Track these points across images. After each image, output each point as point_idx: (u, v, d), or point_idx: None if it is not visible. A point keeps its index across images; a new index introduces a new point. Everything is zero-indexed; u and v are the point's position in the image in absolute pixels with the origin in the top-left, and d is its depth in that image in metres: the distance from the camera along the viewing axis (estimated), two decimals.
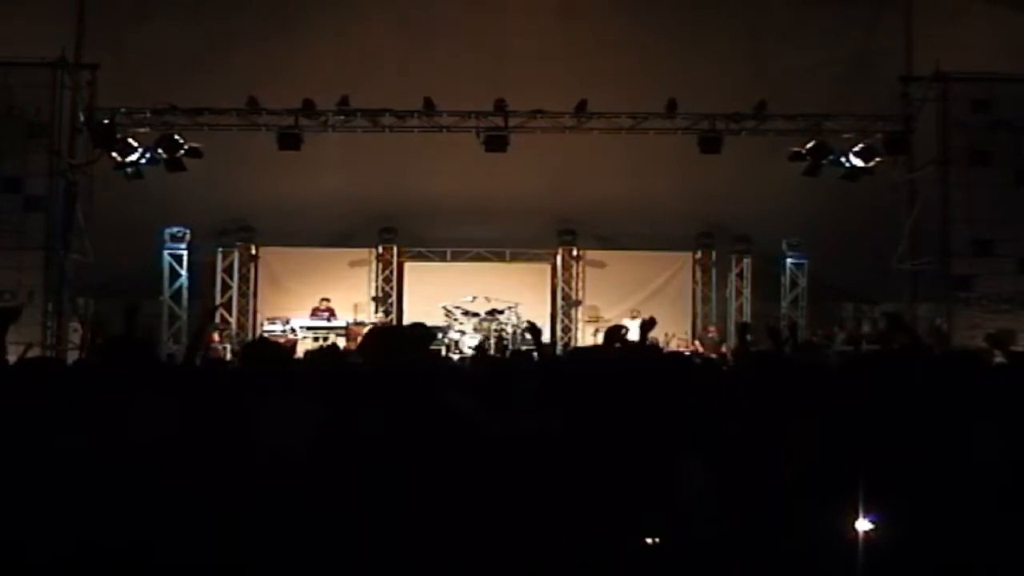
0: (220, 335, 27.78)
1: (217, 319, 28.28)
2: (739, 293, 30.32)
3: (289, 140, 24.52)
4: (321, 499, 4.46)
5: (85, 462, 4.64)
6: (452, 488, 4.46)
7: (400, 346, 5.39)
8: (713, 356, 25.41)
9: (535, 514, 4.49)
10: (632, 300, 30.00)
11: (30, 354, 8.15)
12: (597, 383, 6.21)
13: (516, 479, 4.56)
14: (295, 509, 4.47)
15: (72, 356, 21.81)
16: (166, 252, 28.46)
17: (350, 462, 4.54)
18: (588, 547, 4.58)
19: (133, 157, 24.56)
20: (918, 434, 5.25)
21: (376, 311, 29.65)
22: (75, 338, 23.72)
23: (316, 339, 26.80)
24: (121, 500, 4.51)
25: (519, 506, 4.48)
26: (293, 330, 27.46)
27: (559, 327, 30.54)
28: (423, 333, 5.97)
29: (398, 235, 30.30)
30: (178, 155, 24.62)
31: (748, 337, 11.89)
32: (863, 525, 4.79)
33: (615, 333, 7.93)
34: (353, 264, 30.61)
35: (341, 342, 25.05)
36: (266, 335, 26.01)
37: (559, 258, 30.80)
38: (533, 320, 14.65)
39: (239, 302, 30.01)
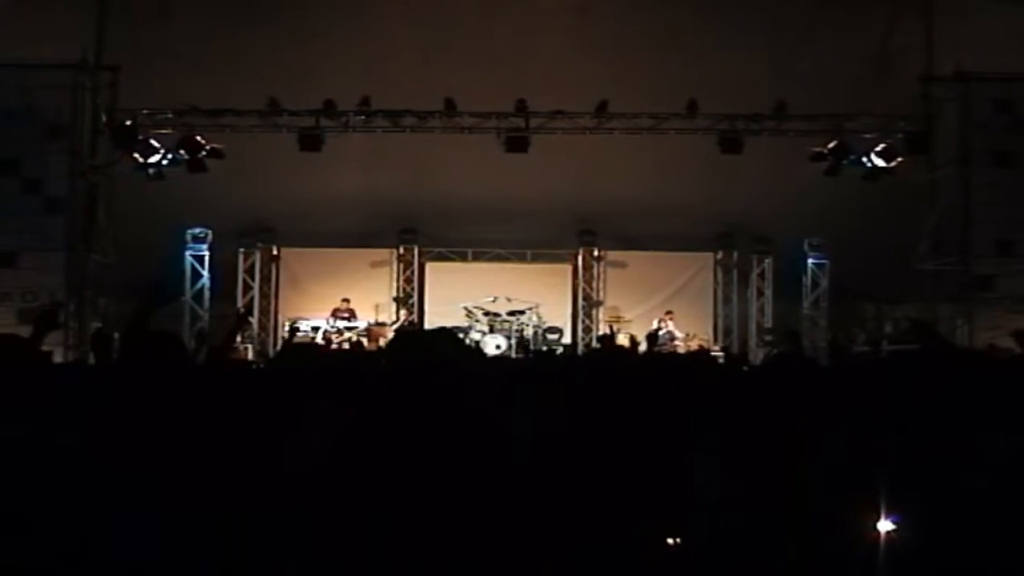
0: (242, 335, 27.81)
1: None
2: (760, 294, 30.25)
3: (310, 141, 24.60)
4: (342, 501, 4.47)
5: (90, 463, 4.65)
6: (472, 486, 4.47)
7: (429, 352, 5.39)
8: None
9: (554, 512, 4.50)
10: (653, 301, 29.98)
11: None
12: (615, 382, 6.22)
13: (535, 477, 4.57)
14: (318, 511, 4.47)
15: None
16: (188, 253, 28.48)
17: (372, 462, 4.55)
18: (606, 546, 4.58)
19: (155, 158, 24.67)
20: (940, 434, 5.24)
21: (397, 311, 29.62)
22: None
23: (332, 340, 26.88)
24: (138, 506, 4.52)
25: (538, 504, 4.48)
26: (315, 329, 27.48)
27: (580, 328, 30.50)
28: (452, 339, 5.97)
29: (419, 235, 30.27)
30: (200, 156, 24.76)
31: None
32: (885, 526, 4.77)
33: (609, 340, 8.03)
34: (374, 265, 30.58)
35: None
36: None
37: (580, 258, 30.74)
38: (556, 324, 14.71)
39: (260, 303, 30.00)
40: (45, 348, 10.41)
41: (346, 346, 25.18)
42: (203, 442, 4.82)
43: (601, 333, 26.48)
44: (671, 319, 28.65)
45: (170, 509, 4.49)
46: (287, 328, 26.61)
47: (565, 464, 4.72)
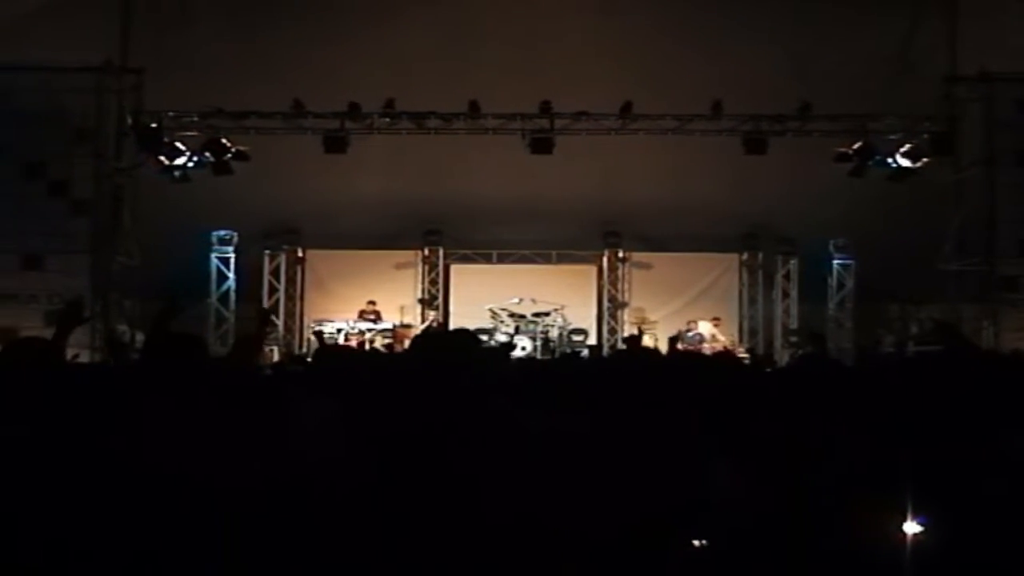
0: (266, 337, 27.77)
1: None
2: (786, 295, 30.16)
3: (335, 143, 24.62)
4: (363, 501, 4.48)
5: (118, 467, 4.66)
6: (495, 487, 4.47)
7: (450, 351, 5.40)
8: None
9: (577, 513, 4.51)
10: (678, 302, 29.95)
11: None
12: (636, 383, 6.22)
13: (557, 477, 4.57)
14: (338, 511, 4.49)
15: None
16: (214, 255, 28.53)
17: (393, 462, 4.56)
18: (629, 546, 4.59)
19: (180, 161, 24.76)
20: (964, 436, 5.22)
21: (423, 313, 29.61)
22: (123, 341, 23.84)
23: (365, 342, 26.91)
24: (154, 507, 4.53)
25: (561, 504, 4.49)
26: (339, 331, 27.46)
27: (605, 329, 30.47)
28: (472, 341, 5.97)
29: (444, 237, 30.24)
30: (225, 158, 24.80)
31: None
32: (911, 528, 4.76)
33: (635, 341, 8.05)
34: (399, 266, 30.58)
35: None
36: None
37: (605, 260, 30.71)
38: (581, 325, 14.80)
39: (286, 305, 30.02)
40: (71, 350, 10.41)
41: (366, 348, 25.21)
42: (222, 443, 4.84)
43: (628, 334, 26.46)
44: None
45: (186, 510, 4.50)
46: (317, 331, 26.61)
47: (587, 465, 4.73)
